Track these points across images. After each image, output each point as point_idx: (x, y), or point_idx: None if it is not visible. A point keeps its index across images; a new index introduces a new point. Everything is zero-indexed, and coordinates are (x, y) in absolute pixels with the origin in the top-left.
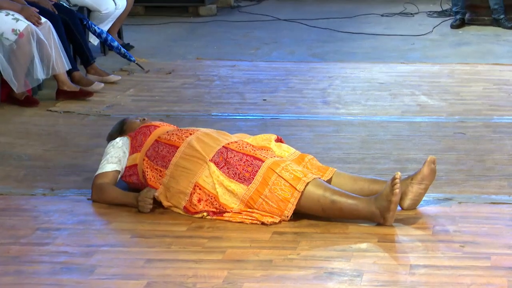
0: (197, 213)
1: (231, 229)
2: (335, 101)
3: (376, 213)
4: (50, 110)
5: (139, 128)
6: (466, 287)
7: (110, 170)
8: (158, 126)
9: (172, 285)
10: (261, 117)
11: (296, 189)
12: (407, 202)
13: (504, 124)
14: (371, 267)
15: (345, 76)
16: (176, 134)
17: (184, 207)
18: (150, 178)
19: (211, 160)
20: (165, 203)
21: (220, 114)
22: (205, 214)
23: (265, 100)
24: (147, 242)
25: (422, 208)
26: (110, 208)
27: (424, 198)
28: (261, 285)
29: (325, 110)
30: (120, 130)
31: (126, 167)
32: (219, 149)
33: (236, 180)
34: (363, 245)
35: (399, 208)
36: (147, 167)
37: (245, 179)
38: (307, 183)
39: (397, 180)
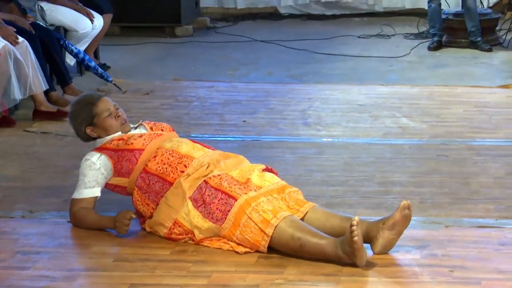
0: (177, 240)
1: (216, 253)
2: (315, 123)
3: (343, 257)
4: (27, 131)
5: (121, 152)
6: None
7: (87, 196)
8: (142, 149)
9: None
10: (242, 139)
11: (265, 233)
12: (377, 248)
13: (487, 147)
14: None
15: (325, 97)
16: (172, 166)
17: (164, 235)
18: (140, 211)
19: (190, 198)
20: (148, 229)
21: (200, 135)
22: (186, 239)
23: (245, 121)
24: (130, 266)
25: (409, 232)
26: (91, 231)
27: (411, 221)
28: None
29: (306, 132)
30: (90, 121)
31: (111, 184)
32: (199, 185)
33: (210, 220)
34: (351, 270)
35: (370, 252)
36: (138, 200)
37: (217, 219)
38: (276, 225)
39: (354, 227)
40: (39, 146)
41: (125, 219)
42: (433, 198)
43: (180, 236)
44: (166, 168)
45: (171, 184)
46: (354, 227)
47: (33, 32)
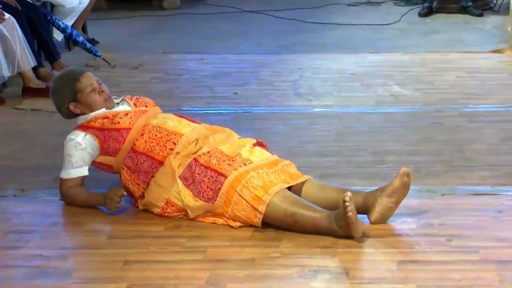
0: (171, 217)
1: (211, 228)
2: (307, 93)
3: (337, 231)
4: (17, 108)
5: (107, 131)
6: (456, 282)
7: (75, 176)
8: (130, 128)
9: (153, 287)
10: (234, 111)
11: (258, 210)
12: (374, 215)
13: (481, 113)
14: (357, 264)
15: (316, 67)
16: (160, 144)
17: (158, 213)
18: (130, 190)
19: (180, 177)
20: (141, 208)
21: (191, 108)
22: (181, 215)
23: (236, 93)
24: (124, 243)
25: (405, 201)
26: (83, 208)
27: None
28: (245, 285)
29: (298, 103)
30: (73, 97)
31: (97, 162)
32: (189, 163)
33: (201, 199)
34: (347, 241)
35: (367, 222)
36: (127, 179)
37: (209, 198)
38: (268, 203)
39: (347, 203)
40: (29, 123)
41: (115, 196)
42: (428, 167)
43: (174, 214)
44: (154, 147)
45: (161, 162)
46: (347, 203)
47: (19, 8)
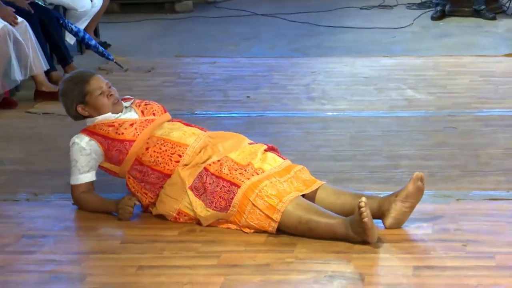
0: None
1: (225, 232)
2: (320, 97)
3: (354, 237)
4: (29, 112)
5: (111, 141)
6: None
7: (84, 182)
8: (133, 141)
9: None
10: (247, 115)
11: (272, 219)
12: (389, 220)
13: (495, 117)
14: (373, 270)
15: (328, 71)
16: (165, 157)
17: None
18: (139, 197)
19: (190, 187)
20: (154, 213)
21: (204, 112)
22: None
23: (248, 97)
24: (138, 248)
25: (419, 206)
26: (96, 213)
27: None
28: None
29: (311, 106)
30: (82, 99)
31: (103, 167)
32: (199, 173)
33: (213, 209)
34: (362, 247)
35: (382, 227)
36: (134, 188)
37: (221, 208)
38: (283, 212)
39: (363, 209)
40: (42, 127)
41: (128, 206)
42: (442, 171)
43: (188, 222)
44: (159, 160)
45: (167, 175)
46: (362, 209)
47: (32, 12)
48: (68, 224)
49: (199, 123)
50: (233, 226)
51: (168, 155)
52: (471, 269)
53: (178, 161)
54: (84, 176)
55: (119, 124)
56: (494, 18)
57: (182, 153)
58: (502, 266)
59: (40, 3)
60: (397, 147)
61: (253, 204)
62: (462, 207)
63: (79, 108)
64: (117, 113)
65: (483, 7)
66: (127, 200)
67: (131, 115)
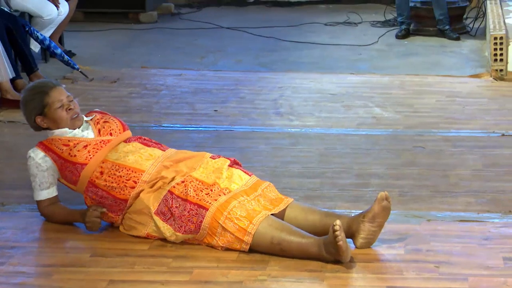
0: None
1: (196, 248)
2: (288, 113)
3: (327, 257)
4: None
5: (64, 161)
6: None
7: (46, 197)
8: (85, 164)
9: None
10: (215, 129)
11: (243, 241)
12: (360, 241)
13: (463, 138)
14: None
15: (295, 86)
16: (120, 183)
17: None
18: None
19: (156, 213)
20: (122, 230)
21: (171, 125)
22: None
23: (216, 111)
24: (108, 261)
25: (391, 226)
26: (66, 224)
27: (391, 215)
28: None
29: (279, 122)
30: (40, 111)
31: (62, 182)
32: (164, 196)
33: (183, 233)
34: (335, 266)
35: (352, 246)
36: (95, 203)
37: (191, 231)
38: (254, 233)
39: (338, 232)
40: (7, 135)
41: (95, 218)
42: (412, 191)
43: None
44: (114, 186)
45: (124, 200)
46: (337, 232)
47: None
48: (37, 236)
49: (167, 135)
50: (203, 243)
51: (123, 181)
52: None
53: (133, 187)
54: (45, 192)
55: (73, 145)
56: (458, 39)
57: (138, 179)
58: None
59: (5, 9)
60: (367, 165)
61: (223, 227)
62: (433, 227)
63: (38, 120)
64: (75, 128)
65: (447, 27)
66: (92, 211)
67: (87, 133)
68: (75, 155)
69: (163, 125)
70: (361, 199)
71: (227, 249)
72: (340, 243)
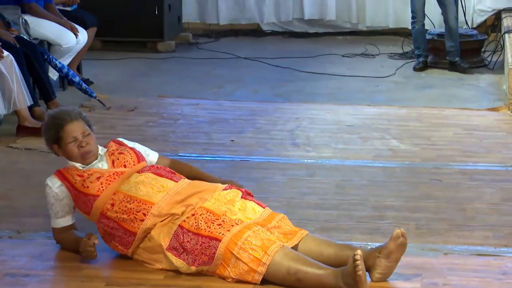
0: None
1: (211, 279)
2: (304, 144)
3: None
4: (11, 147)
5: (77, 192)
6: None
7: (62, 226)
8: (97, 195)
9: None
10: (231, 159)
11: (257, 271)
12: (376, 276)
13: (480, 171)
14: None
15: (312, 117)
16: (130, 215)
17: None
18: (111, 247)
19: (167, 249)
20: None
21: (188, 154)
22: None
23: (232, 140)
24: None
25: (408, 259)
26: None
27: (408, 247)
28: None
29: (296, 153)
30: (55, 141)
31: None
32: (175, 232)
33: (197, 266)
34: None
35: (369, 279)
36: (104, 237)
37: (204, 263)
38: (269, 264)
39: (358, 262)
40: (24, 163)
41: (89, 248)
42: (429, 224)
43: None
44: (124, 218)
45: (134, 234)
46: (358, 262)
47: (18, 45)
48: (52, 264)
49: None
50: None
51: (133, 213)
52: None
53: (142, 220)
54: (61, 220)
55: (87, 175)
56: (467, 68)
57: (147, 211)
58: None
59: (25, 37)
60: (383, 198)
61: (237, 257)
62: (450, 261)
63: (54, 147)
64: (86, 165)
65: (457, 58)
66: (86, 241)
67: (102, 165)
68: (87, 187)
69: (180, 154)
70: (377, 232)
71: (238, 281)
72: (360, 272)
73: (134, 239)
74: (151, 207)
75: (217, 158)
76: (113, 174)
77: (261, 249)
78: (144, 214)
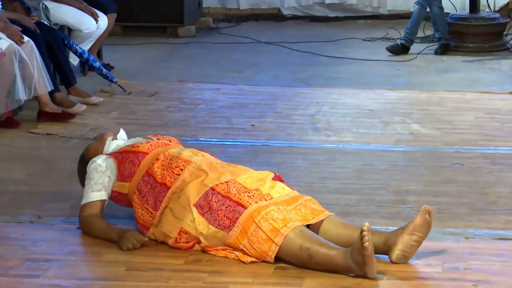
0: (185, 248)
1: (231, 263)
2: (325, 128)
3: (353, 267)
4: (32, 132)
5: (125, 153)
6: None
7: (95, 199)
8: (147, 153)
9: None
10: (251, 143)
11: (274, 241)
12: (395, 252)
13: (502, 155)
14: None
15: (333, 102)
16: (169, 168)
17: (171, 244)
18: (139, 216)
19: (194, 205)
20: (152, 237)
21: (208, 139)
22: (197, 246)
23: (253, 125)
24: (143, 275)
25: (428, 243)
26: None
27: (430, 232)
28: None
29: (316, 137)
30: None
31: (114, 192)
32: (206, 191)
33: (216, 227)
34: (371, 283)
35: (388, 260)
36: (137, 203)
37: (225, 227)
38: (286, 235)
39: (365, 233)
40: (44, 148)
41: (134, 239)
42: (450, 208)
43: (188, 244)
44: (164, 173)
45: (167, 187)
46: (364, 232)
47: (38, 31)
48: (73, 249)
49: (203, 150)
50: (231, 255)
51: (172, 168)
52: None
53: (179, 174)
54: (96, 194)
55: (135, 142)
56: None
57: (184, 167)
58: None
59: (45, 23)
60: (404, 182)
61: (257, 225)
62: (471, 245)
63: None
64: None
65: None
66: (135, 233)
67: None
68: (137, 146)
69: (200, 139)
70: (398, 216)
71: (253, 262)
72: (366, 244)
73: (165, 196)
74: (189, 164)
75: (238, 143)
76: (161, 143)
77: (282, 222)
78: (181, 169)
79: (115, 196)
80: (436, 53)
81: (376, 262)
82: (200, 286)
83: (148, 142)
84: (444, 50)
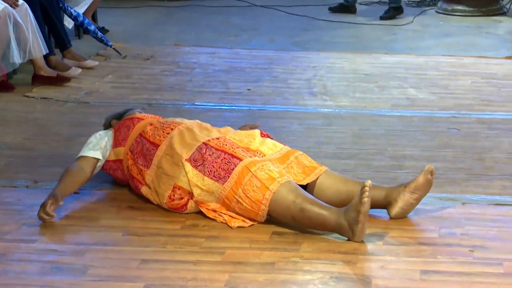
0: (179, 208)
1: (228, 228)
2: (321, 93)
3: (344, 225)
4: (27, 96)
5: (122, 121)
6: None
7: (90, 155)
8: (142, 119)
9: None
10: (248, 108)
11: (268, 188)
12: (395, 209)
13: (498, 120)
14: (380, 272)
15: (329, 66)
16: (160, 129)
17: (165, 205)
18: (134, 176)
19: (187, 160)
20: (144, 194)
21: (204, 103)
22: (191, 204)
23: (249, 89)
24: (141, 240)
25: (425, 208)
26: (98, 203)
27: (426, 197)
28: None
29: (313, 102)
30: (119, 116)
31: (110, 161)
32: (198, 146)
33: (211, 178)
34: (368, 248)
35: (387, 216)
36: (131, 164)
37: (219, 177)
38: (281, 184)
39: (367, 188)
40: (40, 112)
41: (42, 213)
42: (447, 174)
43: (182, 201)
44: (155, 133)
45: (157, 146)
46: (366, 188)
47: None
48: (69, 214)
49: (200, 114)
50: (219, 218)
51: (163, 128)
52: (479, 275)
53: (168, 133)
54: (92, 152)
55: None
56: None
57: (174, 127)
58: (509, 273)
59: None
60: (401, 147)
61: (253, 174)
62: (467, 211)
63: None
64: None
65: None
66: (48, 204)
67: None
68: (135, 114)
69: (196, 103)
70: (395, 181)
71: (240, 227)
72: (365, 199)
73: (155, 154)
74: (179, 124)
75: (234, 107)
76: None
77: (278, 173)
78: (172, 129)
79: (110, 166)
80: (381, 18)
81: (366, 227)
82: (197, 251)
83: (149, 115)
84: (392, 14)
